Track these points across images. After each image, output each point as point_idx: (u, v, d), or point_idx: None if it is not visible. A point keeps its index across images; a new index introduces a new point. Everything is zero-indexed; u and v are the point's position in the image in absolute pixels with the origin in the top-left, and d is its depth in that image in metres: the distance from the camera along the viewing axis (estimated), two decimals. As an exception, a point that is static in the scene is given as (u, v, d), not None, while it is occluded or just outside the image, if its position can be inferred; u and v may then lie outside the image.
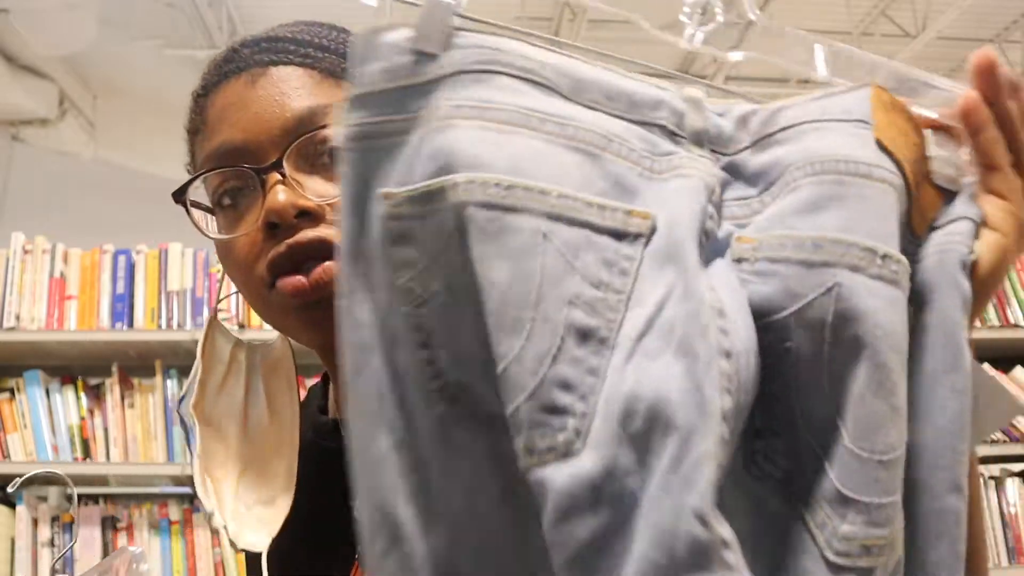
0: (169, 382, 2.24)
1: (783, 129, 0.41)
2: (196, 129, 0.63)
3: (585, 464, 0.34)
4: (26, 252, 2.30)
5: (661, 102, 0.42)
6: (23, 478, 0.98)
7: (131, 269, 2.31)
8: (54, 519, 2.15)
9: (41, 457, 2.16)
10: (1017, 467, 2.39)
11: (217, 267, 2.30)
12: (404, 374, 0.38)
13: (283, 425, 0.65)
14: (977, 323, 2.09)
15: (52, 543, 2.13)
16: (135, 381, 2.26)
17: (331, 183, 0.56)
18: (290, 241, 0.56)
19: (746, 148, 0.42)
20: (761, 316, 0.37)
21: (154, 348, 2.29)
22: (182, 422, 0.65)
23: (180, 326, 2.26)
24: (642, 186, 0.39)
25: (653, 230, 0.37)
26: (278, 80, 0.58)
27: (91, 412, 2.22)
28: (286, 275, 0.56)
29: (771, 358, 0.37)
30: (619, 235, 0.37)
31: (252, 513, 0.61)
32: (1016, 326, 2.41)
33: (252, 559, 0.61)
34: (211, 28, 6.26)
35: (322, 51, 0.60)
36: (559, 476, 0.34)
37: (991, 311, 2.40)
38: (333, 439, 0.64)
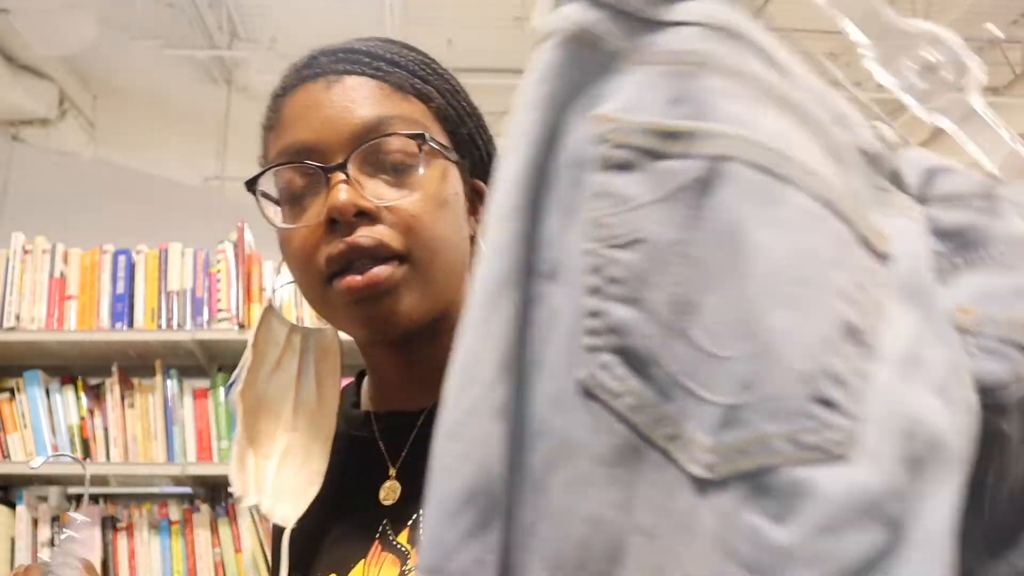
0: (169, 382, 2.24)
1: (978, 196, 0.41)
2: (271, 126, 0.66)
3: (864, 475, 0.31)
4: (26, 252, 2.30)
5: (869, 130, 0.41)
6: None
7: (131, 269, 2.31)
8: (54, 519, 2.15)
9: (41, 457, 2.17)
10: (1017, 467, 2.40)
11: (217, 267, 2.30)
12: (552, 320, 0.33)
13: (326, 410, 0.68)
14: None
15: (52, 543, 2.13)
16: (135, 381, 2.26)
17: (391, 188, 0.61)
18: (348, 240, 0.60)
19: (934, 202, 0.41)
20: (980, 391, 0.35)
21: (154, 348, 2.29)
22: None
23: (180, 326, 2.26)
24: (874, 210, 0.38)
25: (894, 257, 0.36)
26: (351, 88, 0.63)
27: (91, 412, 2.22)
28: (342, 271, 0.60)
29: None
30: (870, 248, 0.35)
31: (289, 488, 0.65)
32: (1016, 326, 2.41)
33: (277, 533, 0.66)
34: (211, 28, 6.26)
35: (393, 66, 0.64)
36: (832, 482, 0.30)
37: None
38: (364, 429, 0.69)
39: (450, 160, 0.65)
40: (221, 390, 2.23)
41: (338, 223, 0.60)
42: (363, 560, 0.64)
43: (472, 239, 0.66)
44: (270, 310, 0.71)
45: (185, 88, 7.10)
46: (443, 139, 0.65)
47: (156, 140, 6.90)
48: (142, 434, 2.19)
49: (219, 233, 2.39)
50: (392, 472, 0.66)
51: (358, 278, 0.60)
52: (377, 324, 0.62)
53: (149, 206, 6.28)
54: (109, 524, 2.16)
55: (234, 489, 0.65)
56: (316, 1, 6.35)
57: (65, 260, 2.31)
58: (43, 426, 2.19)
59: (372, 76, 0.64)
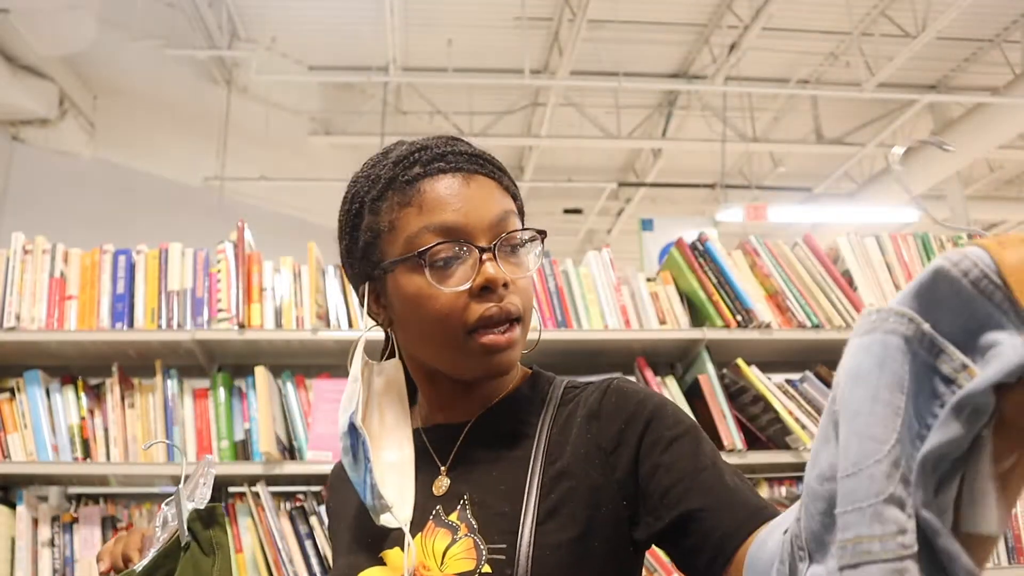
0: (169, 382, 2.24)
1: None
2: (409, 201, 0.84)
3: None
4: (26, 252, 2.30)
5: None
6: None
7: (131, 269, 2.31)
8: (54, 519, 2.15)
9: (41, 457, 2.17)
10: (1017, 467, 2.39)
11: (217, 267, 2.30)
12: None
13: (402, 430, 0.89)
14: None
15: (52, 543, 2.13)
16: (135, 381, 2.26)
17: (515, 266, 0.84)
18: (502, 305, 0.82)
19: None
20: None
21: (154, 348, 2.29)
22: (351, 433, 0.86)
23: (180, 326, 2.26)
24: None
25: None
26: (484, 185, 0.85)
27: (91, 412, 2.22)
28: (487, 329, 0.82)
29: None
30: None
31: (393, 497, 0.84)
32: (1016, 326, 2.41)
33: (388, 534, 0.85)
34: (211, 28, 6.27)
35: (500, 171, 0.87)
36: None
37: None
38: (416, 441, 0.90)
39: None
40: (221, 390, 2.23)
41: (489, 290, 0.81)
42: (420, 534, 0.82)
43: None
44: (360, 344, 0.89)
45: (185, 88, 7.11)
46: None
47: (156, 140, 6.90)
48: (142, 434, 2.19)
49: (219, 233, 2.38)
50: (443, 470, 0.86)
51: (501, 338, 0.82)
52: (500, 369, 0.84)
53: (149, 206, 6.28)
54: (109, 524, 2.16)
55: (382, 501, 0.83)
56: (316, 1, 6.35)
57: (65, 260, 2.31)
58: (43, 426, 2.19)
59: (491, 177, 0.86)
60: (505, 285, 0.82)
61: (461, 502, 0.82)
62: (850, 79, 6.90)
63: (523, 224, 0.88)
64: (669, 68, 7.35)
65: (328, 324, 2.30)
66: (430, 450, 0.89)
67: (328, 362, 2.39)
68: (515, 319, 0.83)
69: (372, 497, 0.81)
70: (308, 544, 2.11)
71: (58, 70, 6.03)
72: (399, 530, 0.81)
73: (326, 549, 2.08)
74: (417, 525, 0.82)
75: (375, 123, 7.23)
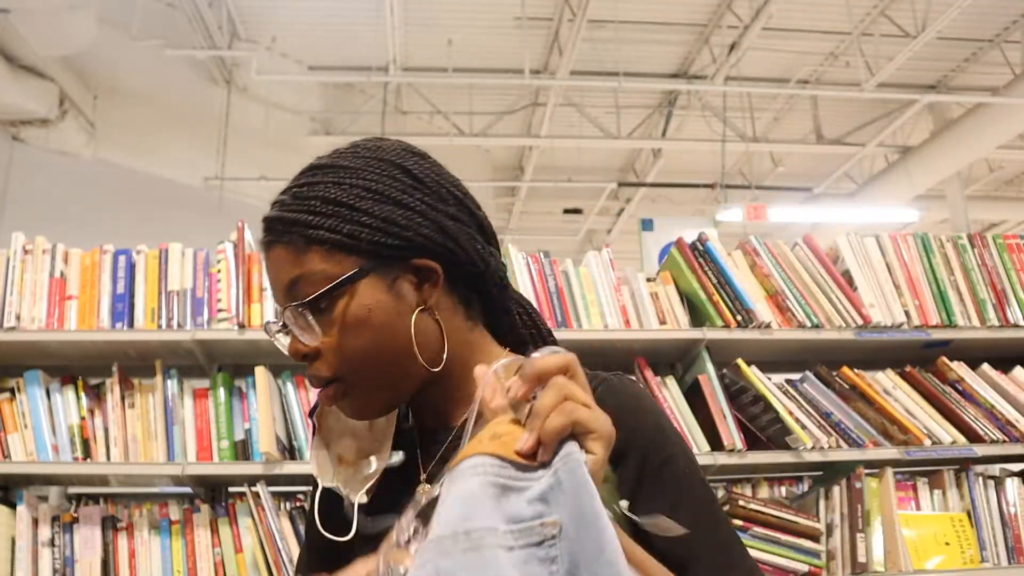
0: (169, 382, 2.24)
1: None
2: None
3: None
4: (26, 252, 2.30)
5: None
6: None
7: (131, 269, 2.31)
8: (54, 519, 2.15)
9: (41, 457, 2.16)
10: (1017, 467, 2.39)
11: (217, 267, 2.30)
12: None
13: (381, 426, 0.90)
14: (977, 323, 2.11)
15: (52, 543, 2.13)
16: (135, 381, 2.26)
17: (314, 333, 0.81)
18: (308, 374, 0.83)
19: None
20: None
21: (154, 348, 2.29)
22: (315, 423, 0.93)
23: (180, 326, 2.26)
24: None
25: None
26: (273, 260, 0.83)
27: (91, 412, 2.22)
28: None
29: None
30: None
31: (359, 480, 0.87)
32: (1016, 326, 2.41)
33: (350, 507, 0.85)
34: (211, 28, 6.27)
35: (293, 225, 0.81)
36: None
37: (991, 311, 2.40)
38: (406, 440, 0.91)
39: (357, 279, 0.80)
40: (221, 390, 2.23)
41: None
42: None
43: (425, 303, 0.82)
44: None
45: (185, 88, 7.11)
46: (346, 266, 0.80)
47: (156, 140, 6.90)
48: (142, 434, 2.19)
49: (219, 233, 2.38)
50: (423, 477, 0.86)
51: (322, 395, 0.84)
52: (352, 417, 0.86)
53: (149, 206, 6.28)
54: (109, 524, 2.16)
55: (319, 479, 0.87)
56: (316, 1, 6.35)
57: (65, 260, 2.31)
58: (43, 426, 2.19)
59: (282, 244, 0.81)
60: (306, 356, 0.82)
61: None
62: (850, 79, 6.90)
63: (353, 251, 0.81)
64: (669, 68, 7.35)
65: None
66: (418, 454, 0.88)
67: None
68: (324, 382, 0.82)
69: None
70: (308, 544, 2.11)
71: (58, 70, 6.03)
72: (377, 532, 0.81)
73: (326, 549, 2.08)
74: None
75: (375, 123, 7.24)
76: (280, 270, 0.82)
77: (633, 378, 0.94)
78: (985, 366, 2.43)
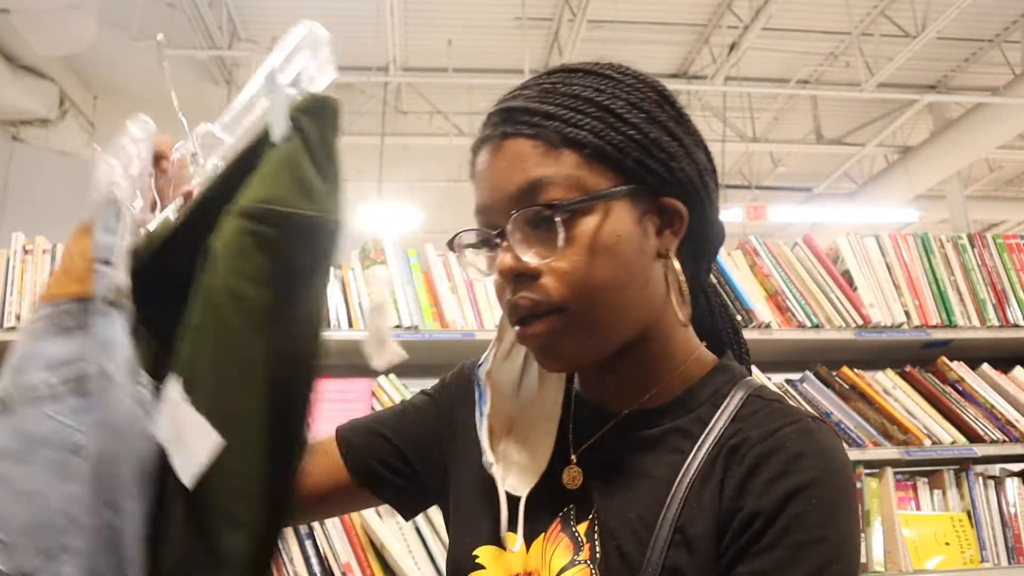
0: (169, 382, 2.24)
1: None
2: (472, 177, 0.75)
3: None
4: (26, 252, 2.30)
5: None
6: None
7: (131, 269, 2.31)
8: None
9: (41, 457, 2.16)
10: (1017, 467, 2.39)
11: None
12: None
13: (548, 396, 0.78)
14: (977, 323, 2.11)
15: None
16: (135, 381, 2.26)
17: (548, 247, 0.68)
18: (510, 299, 0.70)
19: None
20: None
21: (154, 348, 2.29)
22: (476, 384, 0.80)
23: (180, 326, 2.25)
24: None
25: None
26: (508, 154, 0.70)
27: (91, 412, 2.21)
28: (519, 322, 0.71)
29: None
30: None
31: (513, 461, 0.75)
32: (1016, 326, 2.41)
33: (510, 501, 0.74)
34: (211, 28, 6.27)
35: (548, 119, 0.69)
36: None
37: (991, 311, 2.40)
38: (566, 409, 0.79)
39: (617, 198, 0.69)
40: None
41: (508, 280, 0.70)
42: (543, 534, 0.73)
43: (664, 256, 0.72)
44: None
45: (185, 88, 7.10)
46: (603, 180, 0.69)
47: (156, 140, 6.89)
48: (142, 434, 2.19)
49: (219, 233, 2.38)
50: (573, 458, 0.75)
51: (525, 331, 0.70)
52: (548, 365, 0.73)
53: (149, 206, 6.28)
54: (109, 524, 2.16)
55: (486, 457, 0.75)
56: (316, 1, 6.35)
57: (65, 260, 2.31)
58: (43, 426, 2.18)
59: (528, 136, 0.69)
60: (523, 275, 0.69)
61: (592, 515, 0.71)
62: (850, 79, 6.90)
63: (622, 169, 0.69)
64: (669, 68, 7.35)
65: (328, 324, 2.30)
66: (569, 428, 0.77)
67: (328, 362, 2.39)
68: (542, 312, 0.69)
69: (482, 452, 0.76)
70: (308, 544, 2.11)
71: (58, 70, 6.03)
72: (525, 509, 0.73)
73: (326, 549, 2.08)
74: (542, 519, 0.73)
75: (375, 123, 7.23)
76: (517, 166, 0.69)
77: (832, 428, 0.76)
78: (985, 366, 2.43)
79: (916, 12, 6.16)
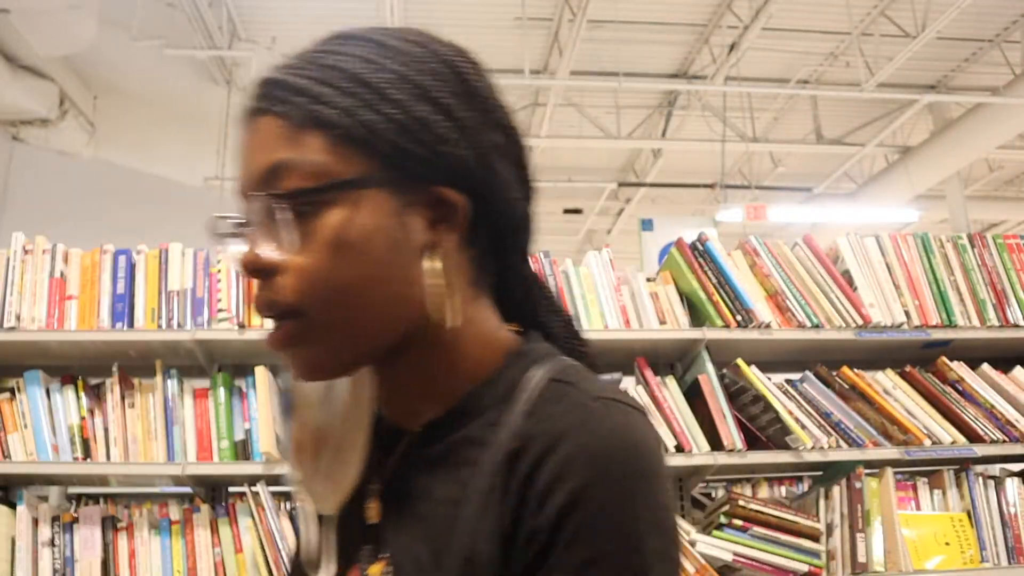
0: (169, 382, 2.24)
1: None
2: None
3: None
4: (26, 252, 2.30)
5: None
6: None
7: (131, 269, 2.31)
8: (54, 519, 2.15)
9: (41, 457, 2.16)
10: (1017, 467, 2.39)
11: (217, 267, 2.30)
12: None
13: (360, 403, 0.68)
14: (977, 323, 2.13)
15: (52, 543, 2.13)
16: (135, 381, 2.26)
17: (287, 241, 0.59)
18: (258, 299, 0.61)
19: None
20: None
21: (154, 348, 2.29)
22: (281, 395, 0.74)
23: (180, 326, 2.26)
24: None
25: None
26: (256, 132, 0.62)
27: (91, 412, 2.22)
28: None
29: None
30: None
31: (322, 476, 0.67)
32: (1016, 326, 2.41)
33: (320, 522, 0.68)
34: (211, 28, 6.26)
35: (300, 95, 0.60)
36: None
37: (991, 311, 2.40)
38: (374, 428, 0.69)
39: (363, 187, 0.59)
40: (221, 390, 2.23)
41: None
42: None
43: (433, 248, 0.61)
44: None
45: (185, 88, 7.10)
46: (352, 167, 0.59)
47: (156, 140, 6.90)
48: (142, 434, 2.19)
49: (219, 233, 2.38)
50: (376, 487, 0.66)
51: (270, 337, 0.61)
52: (298, 372, 0.63)
53: (149, 206, 6.28)
54: (109, 524, 2.16)
55: (288, 475, 0.68)
56: (316, 1, 6.35)
57: (65, 260, 2.31)
58: (43, 426, 2.19)
59: (276, 114, 0.60)
60: (260, 272, 0.60)
61: (385, 554, 0.63)
62: (850, 79, 6.89)
63: (406, 159, 0.60)
64: (669, 68, 7.34)
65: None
66: (374, 450, 0.68)
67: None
68: (278, 314, 0.60)
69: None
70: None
71: (58, 70, 6.02)
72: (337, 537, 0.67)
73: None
74: (343, 557, 0.66)
75: (375, 123, 7.23)
76: (262, 147, 0.61)
77: (630, 404, 0.61)
78: (985, 366, 2.43)
79: (916, 12, 6.16)
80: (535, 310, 0.70)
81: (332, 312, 0.60)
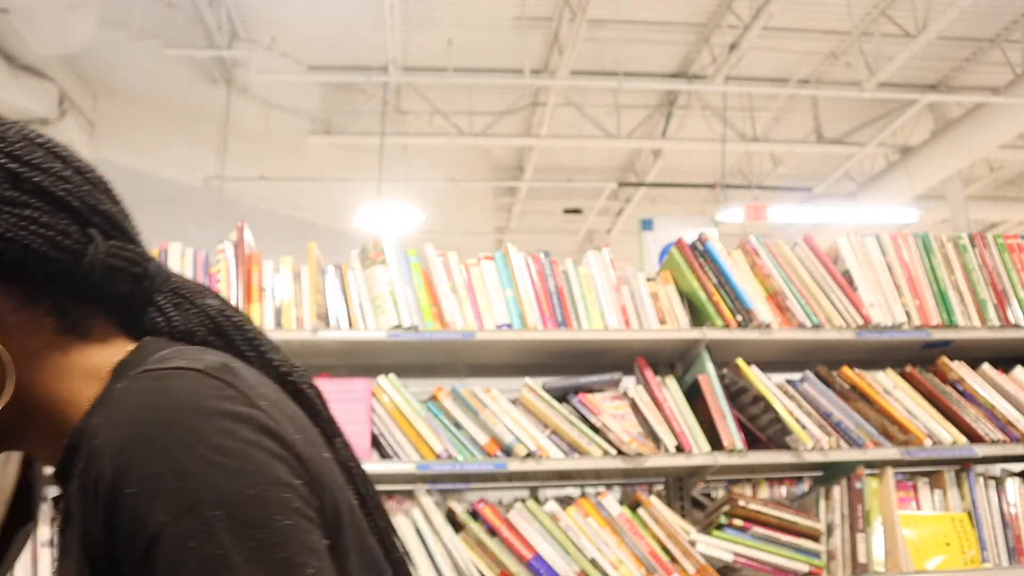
0: (169, 382, 2.23)
1: None
2: None
3: None
4: (26, 252, 2.30)
5: None
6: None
7: (131, 269, 2.31)
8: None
9: (41, 457, 2.16)
10: (1017, 467, 2.39)
11: (217, 267, 2.30)
12: None
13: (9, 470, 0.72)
14: (978, 323, 2.12)
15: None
16: (135, 381, 2.26)
17: None
18: None
19: None
20: None
21: (154, 348, 2.28)
22: None
23: (180, 326, 2.25)
24: None
25: None
26: None
27: (91, 412, 2.21)
28: None
29: None
30: None
31: None
32: (1016, 326, 2.41)
33: None
34: (211, 28, 6.26)
35: None
36: None
37: (991, 311, 2.40)
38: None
39: None
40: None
41: None
42: None
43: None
44: None
45: (185, 88, 7.10)
46: None
47: (156, 140, 6.90)
48: (142, 434, 2.19)
49: (219, 233, 2.38)
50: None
51: None
52: None
53: (149, 206, 6.27)
54: (109, 524, 2.16)
55: None
56: (316, 1, 6.35)
57: (65, 260, 2.31)
58: (43, 426, 2.18)
59: None
60: None
61: None
62: (850, 79, 6.90)
63: None
64: (669, 68, 7.34)
65: (328, 324, 2.29)
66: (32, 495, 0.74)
67: (328, 362, 2.39)
68: None
69: None
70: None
71: (58, 70, 6.02)
72: None
73: (326, 549, 2.08)
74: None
75: (375, 123, 7.23)
76: None
77: (181, 366, 0.58)
78: (985, 366, 2.43)
79: (917, 12, 6.15)
80: (166, 315, 0.67)
81: None
